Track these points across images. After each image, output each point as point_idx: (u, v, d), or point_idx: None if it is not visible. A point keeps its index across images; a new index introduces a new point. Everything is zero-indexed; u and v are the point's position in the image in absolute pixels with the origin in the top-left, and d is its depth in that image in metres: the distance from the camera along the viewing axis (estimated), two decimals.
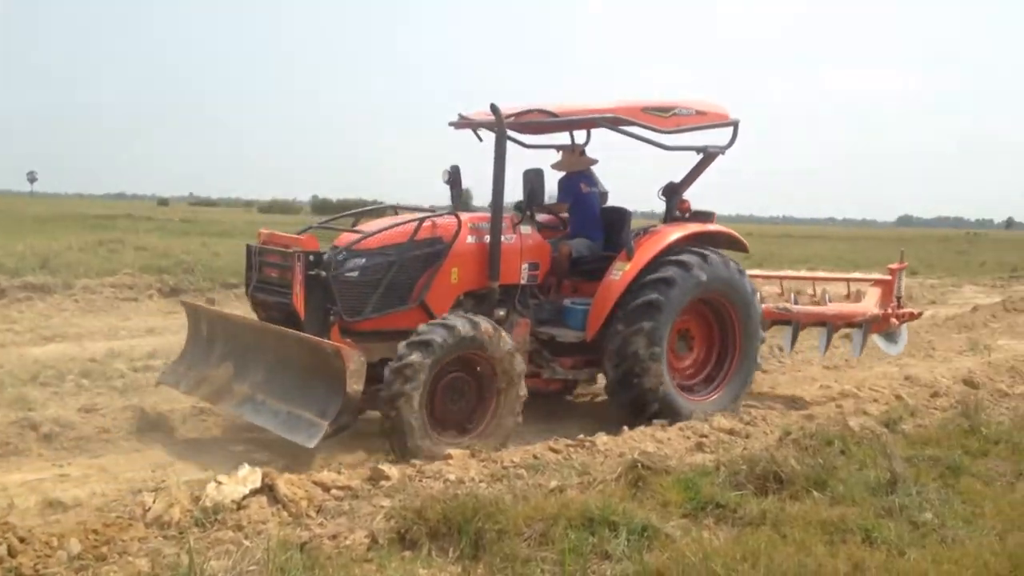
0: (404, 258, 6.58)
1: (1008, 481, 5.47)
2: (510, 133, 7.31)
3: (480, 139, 7.88)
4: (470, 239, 6.87)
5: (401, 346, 5.94)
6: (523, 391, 6.39)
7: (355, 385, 5.60)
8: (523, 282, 7.15)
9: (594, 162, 8.13)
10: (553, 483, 4.99)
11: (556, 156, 8.18)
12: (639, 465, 5.13)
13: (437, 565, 3.96)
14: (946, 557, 4.09)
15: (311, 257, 6.26)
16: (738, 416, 7.03)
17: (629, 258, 7.20)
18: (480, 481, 5.11)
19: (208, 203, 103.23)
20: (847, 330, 9.76)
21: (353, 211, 8.08)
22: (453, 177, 7.46)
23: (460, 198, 7.48)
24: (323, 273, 6.22)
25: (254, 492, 4.61)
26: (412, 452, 5.77)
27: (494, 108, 6.80)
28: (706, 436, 6.40)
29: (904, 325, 9.65)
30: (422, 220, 6.79)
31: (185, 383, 6.85)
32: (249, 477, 4.69)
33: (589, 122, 7.68)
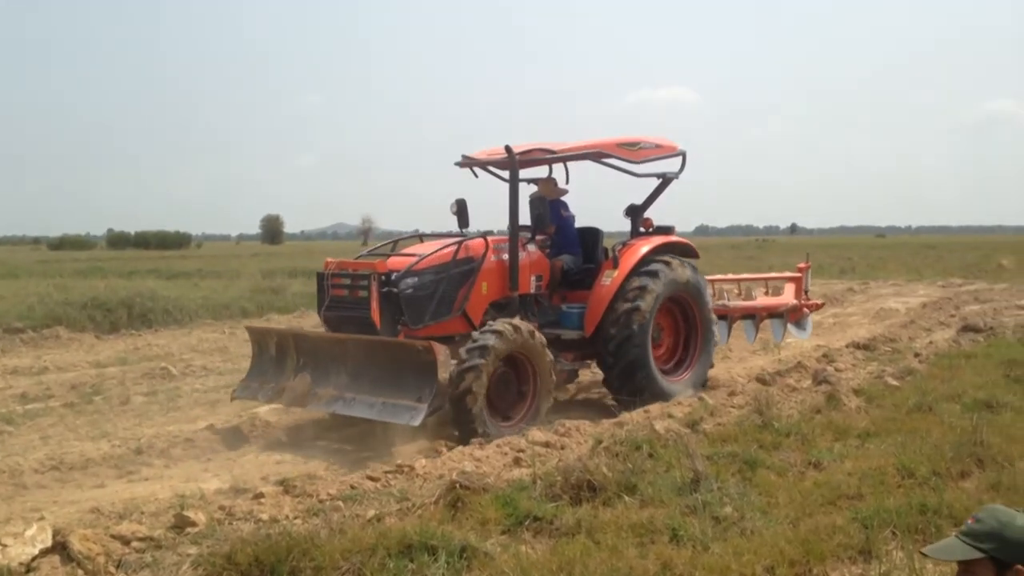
0: (449, 275, 7.88)
1: (799, 471, 5.86)
2: (492, 169, 8.99)
3: (476, 176, 9.16)
4: (494, 257, 8.22)
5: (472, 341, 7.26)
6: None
7: (444, 373, 6.85)
8: (532, 291, 8.55)
9: (567, 191, 9.42)
10: (371, 512, 4.92)
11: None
12: (457, 486, 5.14)
13: None
14: (746, 548, 4.34)
15: (383, 277, 7.50)
16: (553, 429, 7.20)
17: (615, 267, 8.68)
18: (295, 518, 4.96)
19: None
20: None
21: (391, 240, 9.56)
22: (460, 208, 8.59)
23: (467, 225, 8.64)
24: (394, 290, 7.48)
25: (45, 552, 4.26)
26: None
27: (508, 149, 8.20)
28: (523, 451, 6.50)
29: (810, 314, 11.71)
30: (460, 243, 8.09)
31: (263, 394, 7.91)
32: (38, 536, 4.33)
33: (581, 156, 8.91)
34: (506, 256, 8.21)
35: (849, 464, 5.85)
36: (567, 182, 9.53)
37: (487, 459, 6.32)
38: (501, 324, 7.38)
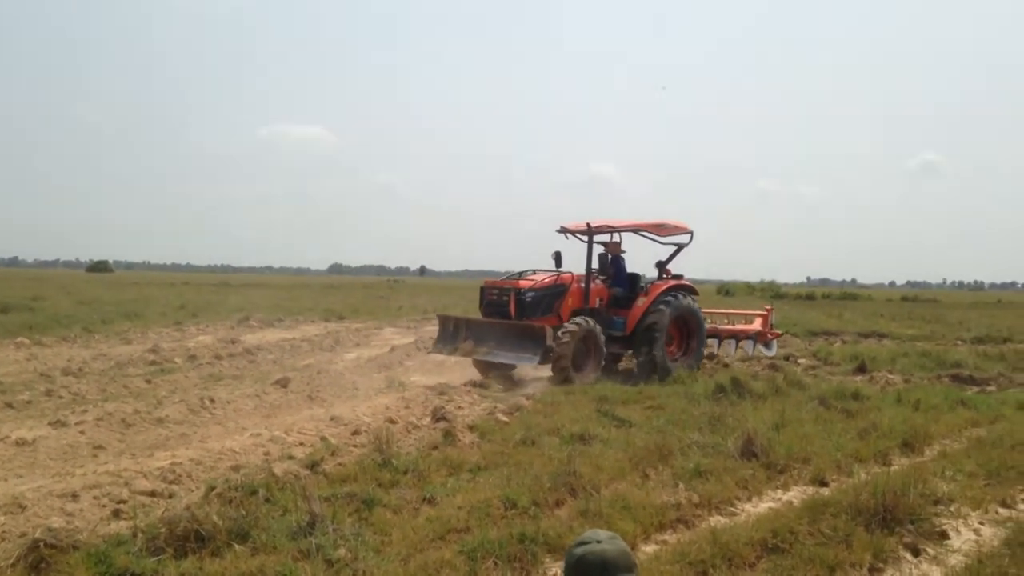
0: (552, 292, 14.14)
1: (413, 507, 6.01)
2: (576, 235, 15.05)
3: (567, 239, 15.20)
4: (575, 285, 14.37)
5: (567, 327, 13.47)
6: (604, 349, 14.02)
7: (549, 341, 12.95)
8: (597, 307, 14.65)
9: (625, 251, 15.77)
10: None
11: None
12: (41, 544, 4.60)
13: None
14: None
15: (518, 291, 13.86)
16: (161, 476, 6.70)
17: (646, 296, 14.90)
18: None
19: None
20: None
21: (517, 272, 15.04)
22: (557, 256, 14.72)
23: (561, 266, 14.80)
24: (522, 298, 13.80)
25: None
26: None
27: (588, 224, 14.67)
28: (124, 501, 5.97)
29: (775, 339, 18.13)
30: (557, 275, 14.39)
31: (446, 351, 14.33)
32: None
33: (630, 230, 15.28)
34: (582, 285, 14.42)
35: (460, 498, 6.10)
36: (613, 243, 15.58)
37: (80, 512, 5.71)
38: (577, 321, 13.48)
